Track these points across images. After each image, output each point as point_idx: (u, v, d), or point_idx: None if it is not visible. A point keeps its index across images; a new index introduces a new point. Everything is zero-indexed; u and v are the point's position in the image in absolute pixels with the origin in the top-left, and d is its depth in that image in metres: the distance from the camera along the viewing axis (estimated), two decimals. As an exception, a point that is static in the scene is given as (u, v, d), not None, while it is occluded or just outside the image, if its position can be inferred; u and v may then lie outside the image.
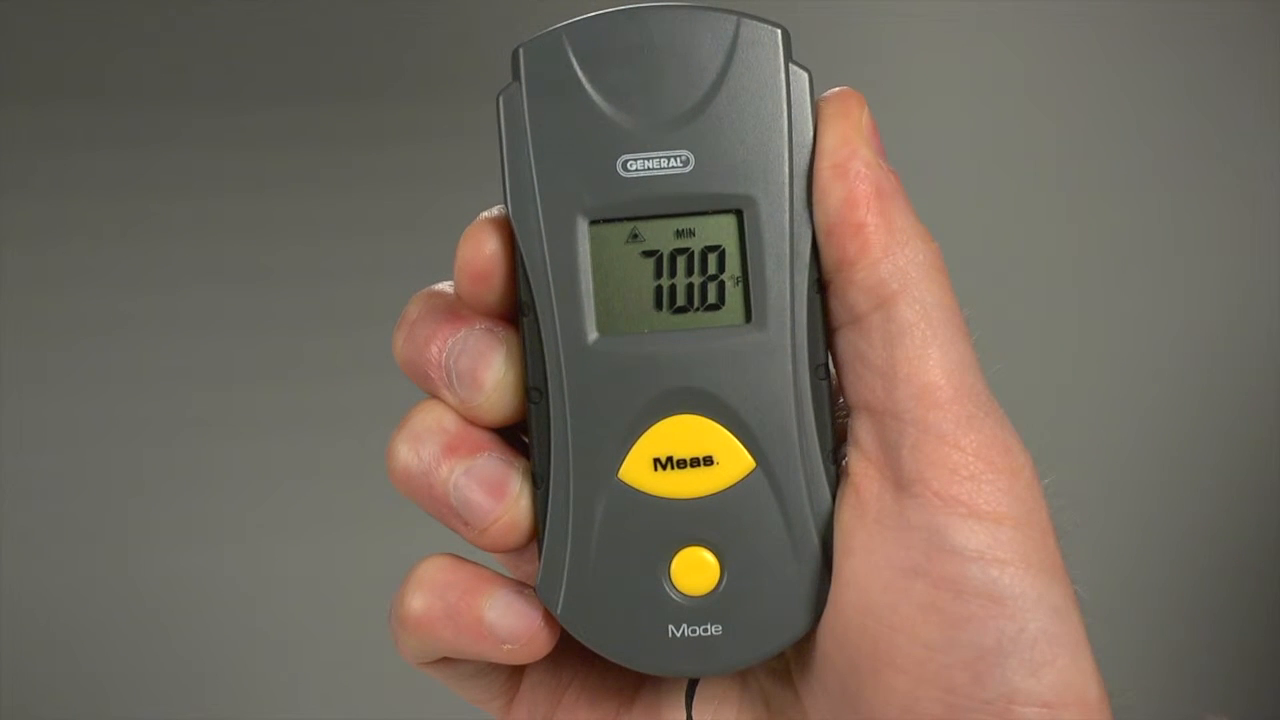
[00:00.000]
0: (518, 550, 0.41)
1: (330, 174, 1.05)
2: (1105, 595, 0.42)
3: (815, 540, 0.39)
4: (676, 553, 0.40)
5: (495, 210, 0.41)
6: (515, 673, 0.44)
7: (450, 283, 0.42)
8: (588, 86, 0.40)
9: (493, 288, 0.40)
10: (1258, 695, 1.12)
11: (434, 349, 0.41)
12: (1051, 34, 1.17)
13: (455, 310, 0.41)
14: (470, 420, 0.41)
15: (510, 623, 0.40)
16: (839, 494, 0.40)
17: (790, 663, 0.42)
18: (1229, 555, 1.14)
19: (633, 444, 0.40)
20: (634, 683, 0.43)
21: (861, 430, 0.39)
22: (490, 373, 0.40)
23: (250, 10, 1.04)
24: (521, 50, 0.40)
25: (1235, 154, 1.18)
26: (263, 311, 1.05)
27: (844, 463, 0.40)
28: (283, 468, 1.05)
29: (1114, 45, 1.17)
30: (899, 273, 0.38)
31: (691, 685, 0.42)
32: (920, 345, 0.38)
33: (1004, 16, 1.16)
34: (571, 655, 0.42)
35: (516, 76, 0.40)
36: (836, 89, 0.41)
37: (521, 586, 0.41)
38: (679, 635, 0.40)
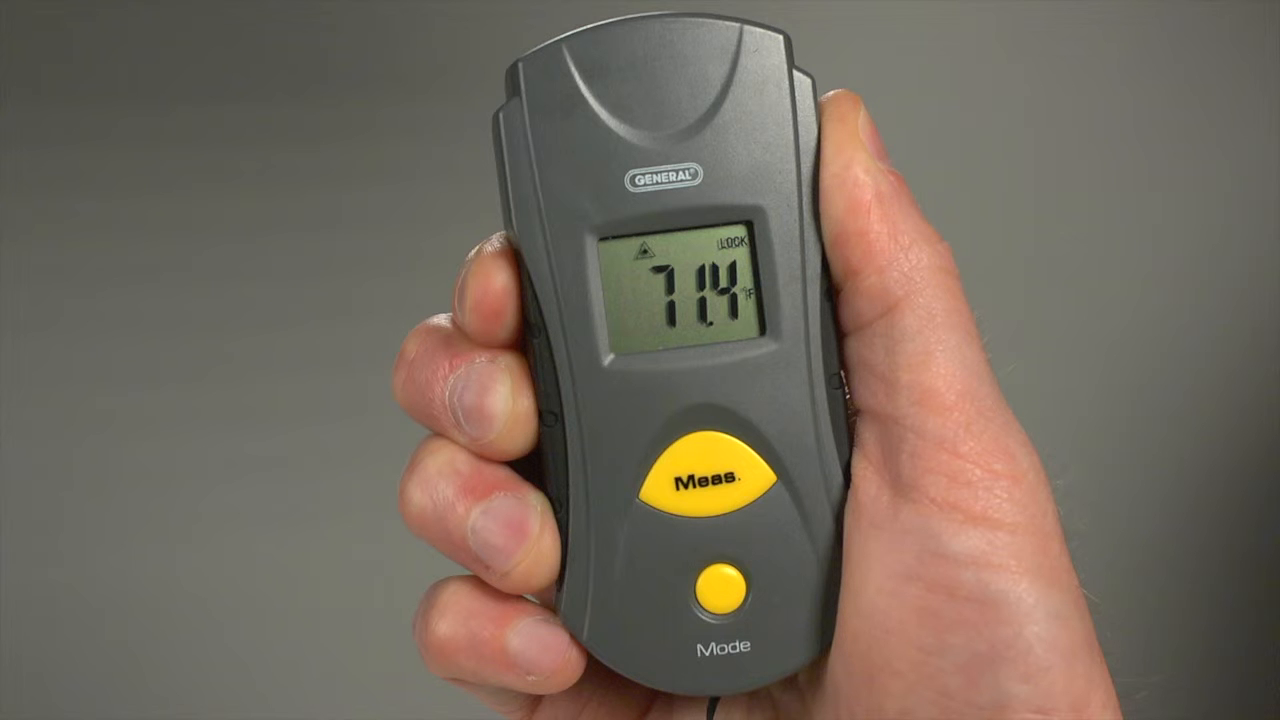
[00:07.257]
0: (542, 589, 0.40)
1: (301, 171, 1.02)
2: (1119, 597, 0.42)
3: (838, 551, 0.39)
4: (702, 571, 0.39)
5: (495, 240, 0.40)
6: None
7: (444, 315, 0.41)
8: (592, 101, 0.39)
9: (506, 323, 0.39)
10: (1274, 691, 1.12)
11: (437, 389, 0.40)
12: (1050, 32, 1.16)
13: (453, 344, 0.40)
14: (482, 456, 0.40)
15: (535, 654, 0.39)
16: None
17: None
18: (1247, 556, 1.14)
19: (652, 464, 0.39)
20: (649, 697, 0.43)
21: (865, 433, 0.39)
22: (499, 406, 0.39)
23: (238, 6, 1.01)
24: (521, 65, 0.39)
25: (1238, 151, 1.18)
26: (245, 308, 1.02)
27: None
28: (251, 463, 1.03)
29: (1111, 41, 1.16)
30: (904, 279, 0.38)
31: (713, 702, 0.42)
32: (921, 352, 0.38)
33: (1001, 15, 1.15)
34: (593, 672, 0.42)
35: (516, 92, 0.39)
36: (833, 92, 0.40)
37: (547, 615, 0.40)
38: (707, 654, 0.40)
